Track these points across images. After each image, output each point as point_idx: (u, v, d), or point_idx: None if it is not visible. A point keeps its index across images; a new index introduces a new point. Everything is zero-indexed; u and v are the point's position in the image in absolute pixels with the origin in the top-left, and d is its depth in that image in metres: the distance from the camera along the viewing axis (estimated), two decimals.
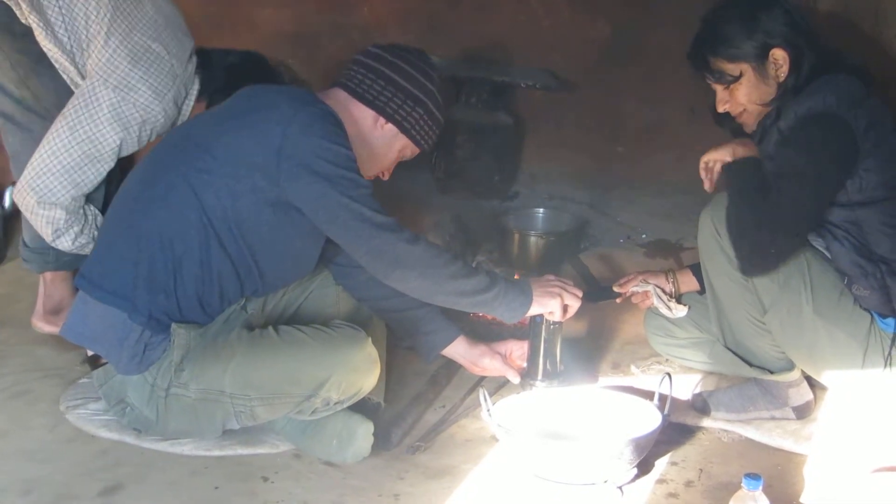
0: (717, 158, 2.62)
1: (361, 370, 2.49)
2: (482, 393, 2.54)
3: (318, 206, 2.41)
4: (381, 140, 2.60)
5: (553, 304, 2.60)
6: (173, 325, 2.44)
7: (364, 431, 2.54)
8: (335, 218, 2.41)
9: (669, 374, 2.56)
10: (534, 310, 2.60)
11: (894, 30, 3.43)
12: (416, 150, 2.66)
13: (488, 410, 2.50)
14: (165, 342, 2.44)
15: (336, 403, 2.49)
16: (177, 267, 2.43)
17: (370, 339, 2.51)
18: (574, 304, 2.65)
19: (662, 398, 2.55)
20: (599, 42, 4.76)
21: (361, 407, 2.62)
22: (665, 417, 2.51)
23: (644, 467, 2.51)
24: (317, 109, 2.43)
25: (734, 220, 2.52)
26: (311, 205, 2.42)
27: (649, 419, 2.51)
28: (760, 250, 2.50)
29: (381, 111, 2.56)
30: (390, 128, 2.58)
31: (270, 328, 2.51)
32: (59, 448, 2.59)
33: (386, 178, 2.70)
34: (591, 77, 4.77)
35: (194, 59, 3.03)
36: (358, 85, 2.56)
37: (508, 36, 4.85)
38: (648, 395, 2.64)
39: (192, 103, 3.02)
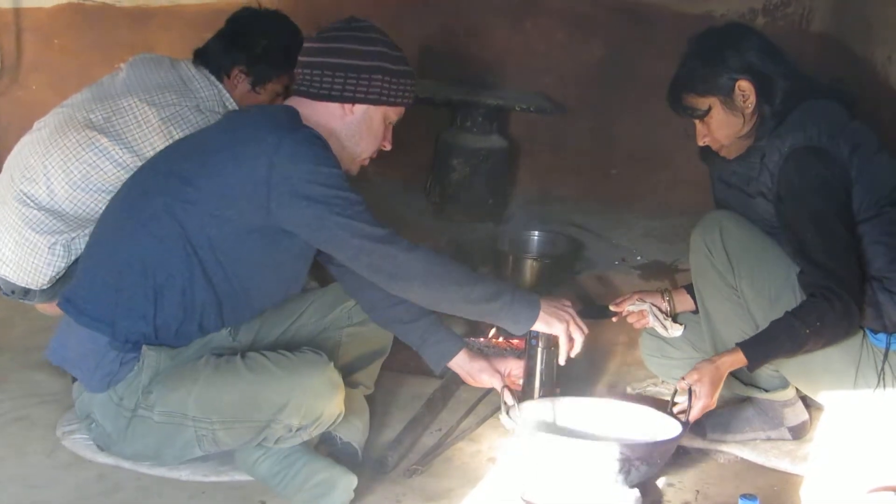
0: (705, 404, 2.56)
1: (321, 395, 2.46)
2: (504, 392, 2.60)
3: (315, 228, 2.43)
4: (358, 121, 2.57)
5: (559, 328, 2.58)
6: (144, 348, 2.45)
7: (344, 485, 2.46)
8: (333, 237, 2.43)
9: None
10: (540, 326, 2.59)
11: (886, 51, 3.46)
12: (400, 110, 2.62)
13: (507, 412, 2.54)
14: (135, 360, 2.46)
15: (299, 430, 2.45)
16: (157, 296, 2.45)
17: (332, 364, 2.51)
18: (578, 339, 2.61)
19: (677, 407, 2.58)
20: (593, 65, 4.79)
21: (339, 453, 2.61)
22: (685, 425, 2.52)
23: (642, 490, 2.51)
24: (300, 135, 2.42)
25: (828, 339, 2.53)
26: (307, 228, 2.43)
27: (668, 428, 2.55)
28: (855, 315, 2.50)
29: (341, 99, 2.53)
30: (359, 107, 2.55)
31: (238, 355, 2.50)
32: (57, 473, 2.58)
33: (388, 147, 2.66)
34: (585, 100, 4.79)
35: (199, 69, 3.14)
36: (310, 86, 2.53)
37: (502, 59, 4.88)
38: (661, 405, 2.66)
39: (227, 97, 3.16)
